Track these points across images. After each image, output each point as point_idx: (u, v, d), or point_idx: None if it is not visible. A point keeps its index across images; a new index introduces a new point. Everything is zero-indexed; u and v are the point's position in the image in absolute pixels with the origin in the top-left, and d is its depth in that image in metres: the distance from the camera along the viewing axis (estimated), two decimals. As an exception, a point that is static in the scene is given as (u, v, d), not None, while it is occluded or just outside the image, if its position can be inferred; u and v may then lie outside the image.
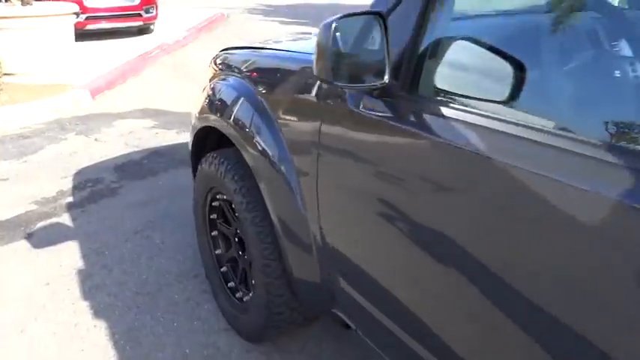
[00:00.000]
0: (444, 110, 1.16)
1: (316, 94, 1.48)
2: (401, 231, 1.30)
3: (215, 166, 2.03)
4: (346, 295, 1.58)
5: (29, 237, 2.99)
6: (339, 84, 1.20)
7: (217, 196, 2.17)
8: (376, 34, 1.14)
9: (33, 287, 2.54)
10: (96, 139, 4.55)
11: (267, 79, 1.78)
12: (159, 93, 5.95)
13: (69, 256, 2.80)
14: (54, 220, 3.19)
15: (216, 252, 2.31)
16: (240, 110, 1.90)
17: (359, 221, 1.42)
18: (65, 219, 3.19)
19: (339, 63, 1.16)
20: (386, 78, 1.17)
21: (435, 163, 1.18)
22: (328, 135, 1.43)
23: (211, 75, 2.38)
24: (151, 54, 7.44)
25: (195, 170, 2.44)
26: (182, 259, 2.77)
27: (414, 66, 1.19)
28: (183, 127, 4.80)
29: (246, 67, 2.00)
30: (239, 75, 2.04)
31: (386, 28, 1.15)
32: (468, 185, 1.10)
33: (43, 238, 2.97)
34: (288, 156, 1.65)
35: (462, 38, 1.16)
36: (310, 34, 2.50)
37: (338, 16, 1.16)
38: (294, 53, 1.76)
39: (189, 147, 2.45)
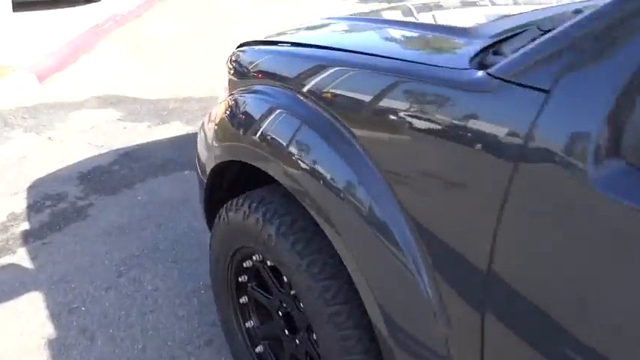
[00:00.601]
0: None
1: (503, 147, 0.84)
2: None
3: (257, 222, 1.39)
4: None
5: (-25, 288, 2.27)
6: None
7: (253, 257, 1.53)
8: None
9: (-14, 374, 1.86)
10: (50, 138, 3.75)
11: (369, 104, 1.10)
12: (118, 74, 5.11)
13: (32, 315, 2.11)
14: (6, 259, 2.46)
15: (247, 325, 1.68)
16: (306, 143, 1.25)
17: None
18: (21, 257, 2.47)
19: None
20: None
21: None
22: (531, 221, 0.81)
23: (228, 81, 1.70)
24: (102, 26, 6.51)
25: (210, 215, 1.78)
26: (186, 314, 2.12)
27: None
28: (155, 118, 4.06)
29: (308, 79, 1.31)
30: (290, 88, 1.36)
31: None
32: None
33: (-5, 289, 2.26)
34: (410, 231, 1.03)
35: None
36: (352, 15, 1.84)
37: None
38: (421, 66, 1.04)
39: (200, 180, 1.77)
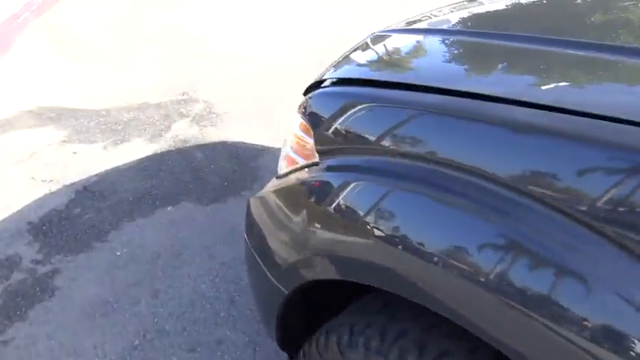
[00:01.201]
0: None
1: None
2: None
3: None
4: None
5: None
6: None
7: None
8: None
9: None
10: (-21, 175, 2.98)
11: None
12: (49, 79, 4.27)
13: None
14: (-45, 373, 1.79)
15: None
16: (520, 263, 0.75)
17: None
18: (-24, 368, 1.81)
19: None
20: None
21: None
22: None
23: (314, 138, 1.12)
24: (19, 18, 5.53)
25: (283, 330, 1.23)
26: None
27: None
28: (110, 135, 3.34)
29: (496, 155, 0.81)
30: (455, 168, 0.84)
31: None
32: None
33: None
34: None
35: None
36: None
37: None
38: None
39: (269, 283, 1.19)
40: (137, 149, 3.17)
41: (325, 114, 1.07)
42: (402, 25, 1.36)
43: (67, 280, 2.18)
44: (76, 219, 2.55)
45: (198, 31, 5.11)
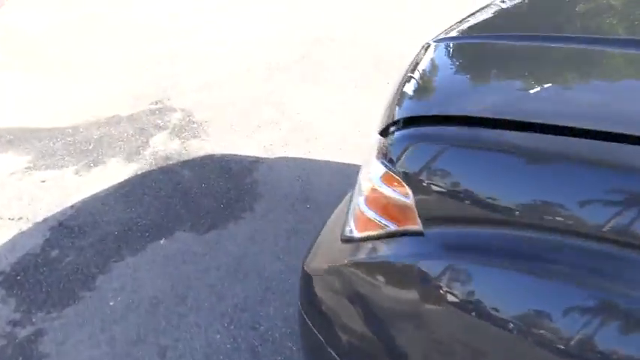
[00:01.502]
0: None
1: None
2: None
3: None
4: None
5: None
6: None
7: None
8: None
9: None
10: None
11: None
12: (3, 95, 3.84)
13: None
14: None
15: None
16: None
17: None
18: None
19: None
20: None
21: None
22: None
23: (390, 197, 0.84)
24: (-41, 28, 5.01)
25: None
26: None
27: None
28: (81, 157, 2.97)
29: None
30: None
31: None
32: None
33: None
34: None
35: None
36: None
37: None
38: None
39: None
40: (114, 171, 2.83)
41: (424, 165, 0.79)
42: (466, 30, 1.09)
43: (54, 343, 1.85)
44: (56, 263, 2.21)
45: (166, 30, 4.72)
